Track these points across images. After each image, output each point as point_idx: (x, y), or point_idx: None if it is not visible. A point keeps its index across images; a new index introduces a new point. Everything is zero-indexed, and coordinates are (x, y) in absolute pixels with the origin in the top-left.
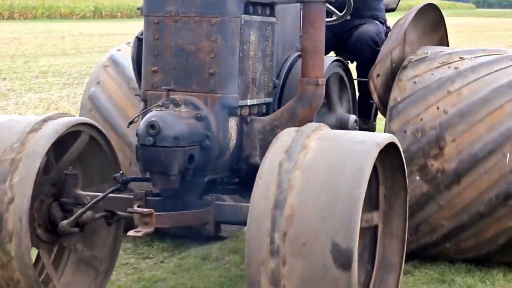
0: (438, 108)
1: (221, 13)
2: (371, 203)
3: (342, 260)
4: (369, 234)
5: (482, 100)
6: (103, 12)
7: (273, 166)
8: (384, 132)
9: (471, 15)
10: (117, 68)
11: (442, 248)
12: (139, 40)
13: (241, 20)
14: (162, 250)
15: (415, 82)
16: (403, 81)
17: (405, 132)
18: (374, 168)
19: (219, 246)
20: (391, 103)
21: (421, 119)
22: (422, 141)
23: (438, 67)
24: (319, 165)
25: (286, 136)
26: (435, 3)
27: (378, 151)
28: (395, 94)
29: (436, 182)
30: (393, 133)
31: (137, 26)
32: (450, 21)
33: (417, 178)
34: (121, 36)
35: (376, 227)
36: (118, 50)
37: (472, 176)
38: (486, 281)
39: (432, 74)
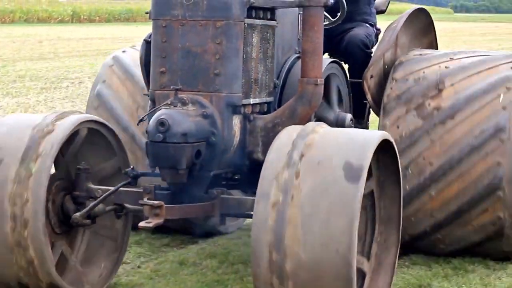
0: (429, 104)
1: (226, 17)
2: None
3: (352, 174)
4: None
5: (471, 95)
6: (81, 16)
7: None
8: (378, 127)
9: (449, 20)
10: (122, 67)
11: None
12: (147, 42)
13: (244, 24)
14: (139, 255)
15: (407, 80)
16: (395, 79)
17: (398, 127)
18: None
19: (196, 251)
20: (384, 100)
21: (413, 115)
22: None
23: (429, 66)
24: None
25: (291, 128)
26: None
27: (377, 144)
28: (388, 92)
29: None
30: (386, 128)
31: (115, 30)
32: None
33: (409, 171)
34: (99, 40)
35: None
36: (123, 51)
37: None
38: (463, 285)
39: (424, 73)
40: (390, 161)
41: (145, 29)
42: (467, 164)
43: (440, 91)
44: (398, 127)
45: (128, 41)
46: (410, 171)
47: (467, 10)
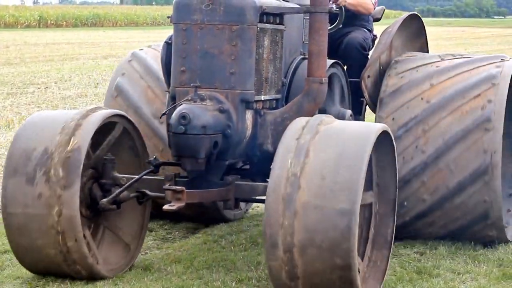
0: (422, 98)
1: (241, 22)
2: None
3: (358, 149)
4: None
5: (460, 90)
6: (48, 21)
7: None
8: (375, 119)
9: None
10: (140, 62)
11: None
12: (168, 44)
13: (257, 28)
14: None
15: (402, 77)
16: (391, 76)
17: (393, 119)
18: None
19: (161, 257)
20: (381, 94)
21: (407, 107)
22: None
23: (422, 65)
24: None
25: (302, 118)
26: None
27: (378, 134)
28: (385, 87)
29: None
30: (382, 119)
31: (82, 35)
32: (382, 31)
33: (403, 159)
34: (66, 45)
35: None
36: (141, 49)
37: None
38: None
39: (417, 71)
40: (388, 150)
41: (112, 35)
42: (456, 151)
43: (431, 86)
44: (393, 118)
45: (95, 46)
46: (403, 159)
47: (434, 14)
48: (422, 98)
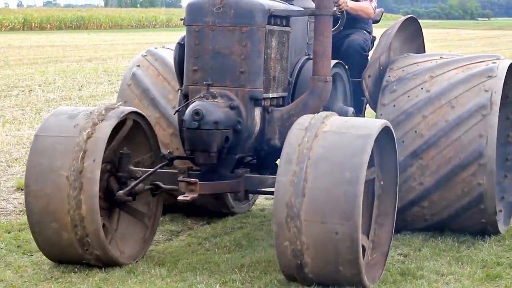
0: (422, 88)
1: (250, 24)
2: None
3: (362, 140)
4: None
5: (459, 81)
6: (33, 24)
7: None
8: (377, 107)
9: None
10: (154, 56)
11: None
12: (180, 45)
13: (265, 29)
14: (88, 263)
15: (403, 70)
16: (394, 69)
17: (394, 106)
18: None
19: (145, 259)
20: (383, 83)
21: (408, 96)
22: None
23: (423, 61)
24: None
25: (308, 115)
26: None
27: (381, 127)
28: (387, 78)
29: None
30: (384, 106)
31: (66, 37)
32: (380, 32)
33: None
34: (50, 48)
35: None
36: (155, 47)
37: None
38: None
39: (418, 65)
40: (389, 145)
41: (96, 37)
42: (454, 135)
43: (432, 77)
44: (394, 105)
45: (80, 48)
46: (403, 142)
47: (419, 16)
48: (422, 88)
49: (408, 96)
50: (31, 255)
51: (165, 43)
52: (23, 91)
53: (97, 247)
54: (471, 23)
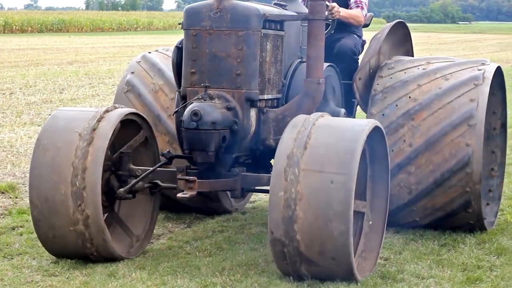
0: (410, 97)
1: (246, 28)
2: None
3: (353, 136)
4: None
5: (445, 90)
6: (13, 27)
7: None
8: (367, 116)
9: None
10: (148, 62)
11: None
12: (178, 48)
13: (261, 33)
14: (69, 267)
15: (391, 78)
16: (382, 77)
17: (383, 115)
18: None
19: (126, 263)
20: (372, 93)
21: (396, 105)
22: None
23: (410, 68)
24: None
25: (301, 115)
26: None
27: (372, 127)
28: (376, 86)
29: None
30: (373, 115)
31: (48, 40)
32: (368, 35)
33: (392, 151)
34: (31, 51)
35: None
36: (149, 52)
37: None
38: None
39: (405, 72)
40: (379, 144)
41: (78, 40)
42: (441, 145)
43: (419, 86)
44: (383, 114)
45: (61, 51)
46: (393, 151)
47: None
48: (409, 97)
49: (396, 105)
50: (12, 258)
51: (147, 46)
52: (3, 94)
53: (100, 245)
54: (452, 26)
